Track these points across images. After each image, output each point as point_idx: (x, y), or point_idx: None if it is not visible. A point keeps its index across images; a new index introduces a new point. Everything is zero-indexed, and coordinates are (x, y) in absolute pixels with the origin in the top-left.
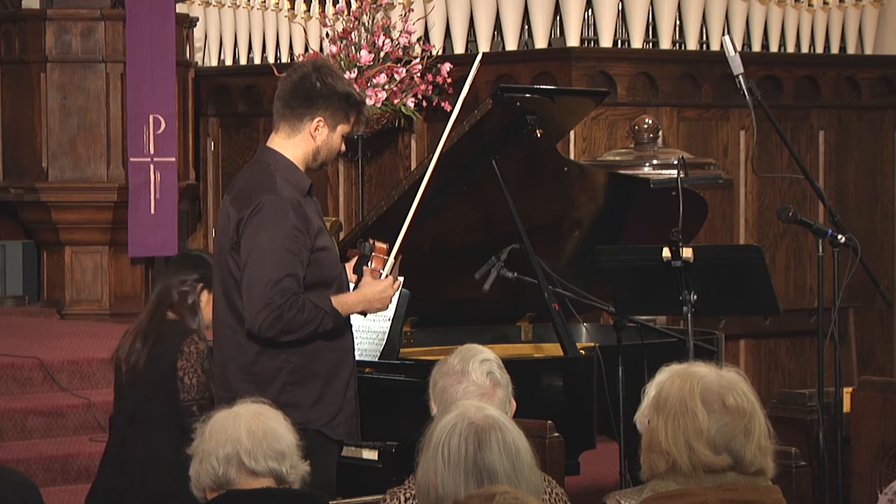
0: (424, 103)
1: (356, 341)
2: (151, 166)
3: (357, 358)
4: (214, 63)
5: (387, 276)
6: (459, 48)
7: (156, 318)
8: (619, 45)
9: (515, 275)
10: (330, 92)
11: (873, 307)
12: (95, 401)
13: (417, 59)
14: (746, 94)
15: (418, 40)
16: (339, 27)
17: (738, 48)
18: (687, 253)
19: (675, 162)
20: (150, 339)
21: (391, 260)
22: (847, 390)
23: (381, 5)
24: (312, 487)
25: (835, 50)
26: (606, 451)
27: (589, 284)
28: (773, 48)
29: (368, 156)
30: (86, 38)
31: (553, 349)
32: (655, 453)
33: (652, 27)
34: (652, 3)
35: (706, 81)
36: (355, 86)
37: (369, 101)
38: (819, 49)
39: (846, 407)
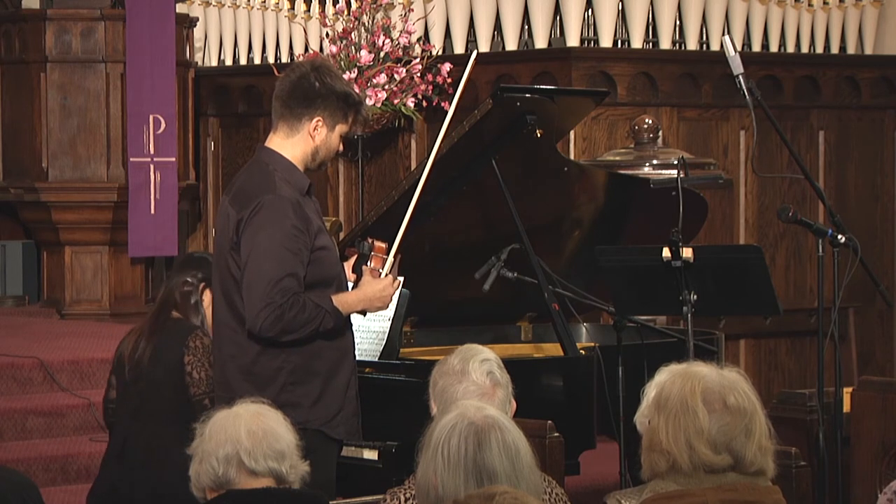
0: (424, 103)
1: (356, 341)
2: (151, 166)
3: (357, 358)
4: (214, 63)
5: (386, 275)
6: (459, 48)
7: (160, 318)
8: (619, 45)
9: (515, 275)
10: (329, 92)
11: (873, 307)
12: (95, 401)
13: (417, 59)
14: (746, 94)
15: (418, 40)
16: (339, 27)
17: (738, 48)
18: (687, 253)
19: (675, 162)
20: (154, 337)
21: (391, 259)
22: (847, 390)
23: (381, 5)
24: (312, 487)
25: (835, 50)
26: (606, 451)
27: (589, 284)
28: (773, 48)
29: (368, 156)
30: (86, 38)
31: (553, 349)
32: (656, 453)
33: (652, 27)
34: (652, 3)
35: (706, 81)
36: (355, 86)
37: (369, 101)
38: (819, 49)
39: (846, 407)
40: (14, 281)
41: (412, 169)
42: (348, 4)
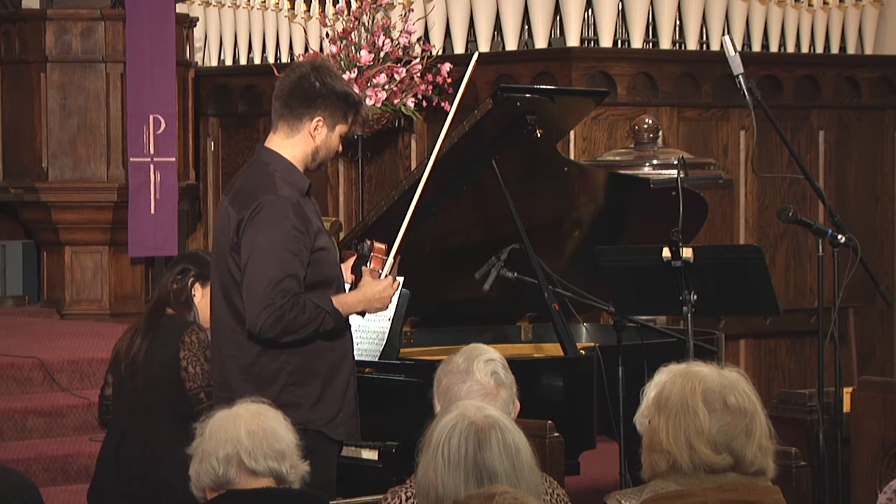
0: (424, 103)
1: (356, 341)
2: (151, 166)
3: (357, 358)
4: (214, 63)
5: (386, 276)
6: (459, 48)
7: (155, 315)
8: (619, 45)
9: (515, 275)
10: (329, 92)
11: (873, 307)
12: (95, 401)
13: (417, 59)
14: (746, 94)
15: (418, 40)
16: (339, 27)
17: (738, 48)
18: (687, 253)
19: (675, 162)
20: (150, 333)
21: (390, 260)
22: (847, 390)
23: (381, 5)
24: (313, 487)
25: (835, 50)
26: (606, 451)
27: (589, 284)
28: (773, 48)
29: (368, 156)
30: (86, 38)
31: (553, 349)
32: (656, 453)
33: (652, 27)
34: (652, 3)
35: (706, 81)
36: (355, 86)
37: (369, 101)
38: (819, 49)
39: (846, 407)
40: (14, 281)
41: (412, 169)
42: (348, 4)
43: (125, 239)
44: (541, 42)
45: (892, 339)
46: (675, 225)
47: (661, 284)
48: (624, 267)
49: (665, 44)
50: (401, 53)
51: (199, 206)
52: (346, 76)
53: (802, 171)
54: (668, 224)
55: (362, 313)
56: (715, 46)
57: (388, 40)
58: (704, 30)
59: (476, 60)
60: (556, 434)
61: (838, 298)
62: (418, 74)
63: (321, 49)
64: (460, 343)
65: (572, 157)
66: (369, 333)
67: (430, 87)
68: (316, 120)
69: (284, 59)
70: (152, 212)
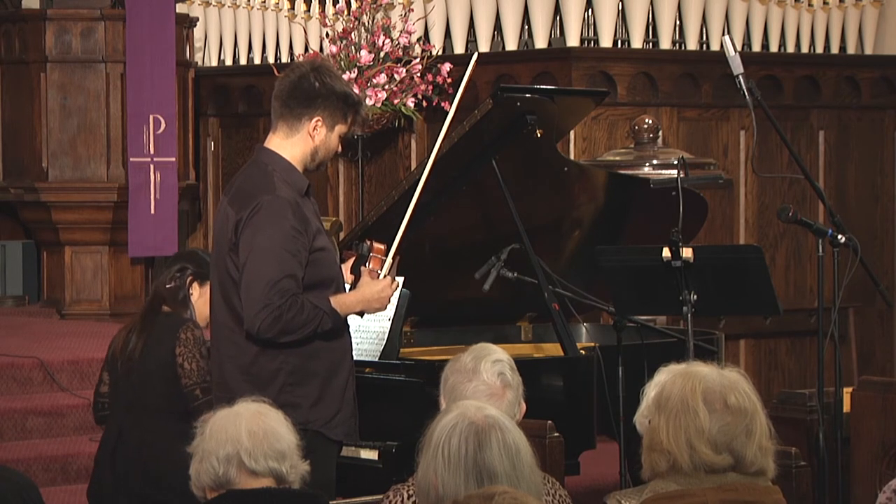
0: (424, 103)
1: (356, 341)
2: (151, 166)
3: (357, 358)
4: (214, 63)
5: (385, 277)
6: (459, 48)
7: (151, 313)
8: (619, 45)
9: (515, 275)
10: (328, 92)
11: (873, 307)
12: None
13: (417, 59)
14: (746, 94)
15: (418, 40)
16: (339, 27)
17: (738, 48)
18: (687, 253)
19: (675, 162)
20: (146, 331)
21: (389, 260)
22: (847, 390)
23: (381, 5)
24: (312, 488)
25: (835, 50)
26: (606, 451)
27: (589, 284)
28: (773, 48)
29: (368, 156)
30: (86, 38)
31: (553, 349)
32: (656, 452)
33: (652, 27)
34: (652, 3)
35: (706, 81)
36: (355, 86)
37: (369, 101)
38: (819, 49)
39: (846, 407)
40: (14, 281)
41: (412, 169)
42: (348, 4)
43: (125, 239)
44: (541, 42)
45: (892, 339)
46: (675, 225)
47: (661, 284)
48: (624, 267)
49: (665, 44)
50: (401, 53)
51: (199, 206)
52: (346, 76)
53: (802, 171)
54: (668, 224)
55: (361, 313)
56: (715, 46)
57: (388, 40)
58: (704, 30)
59: (475, 61)
60: (556, 434)
61: (838, 298)
62: (418, 74)
63: (321, 49)
64: (460, 343)
65: (572, 157)
66: (369, 333)
67: (430, 87)
68: (315, 120)
69: (284, 59)
70: (152, 212)
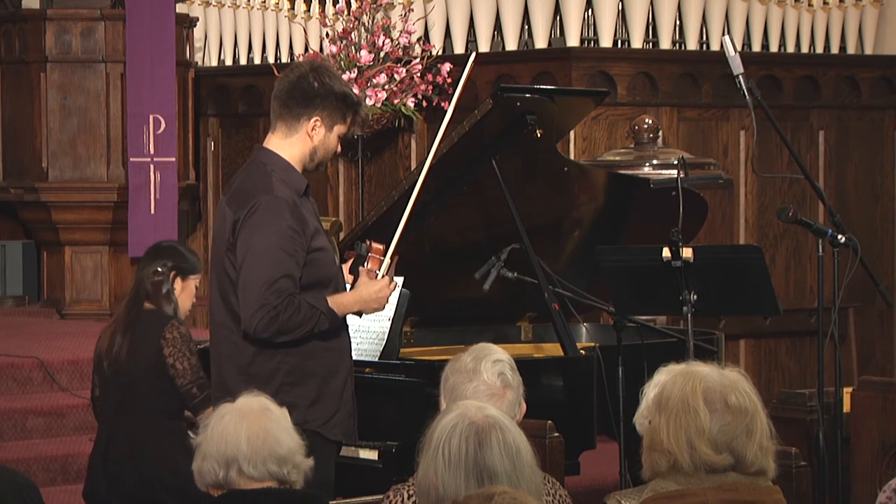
0: (424, 103)
1: (356, 341)
2: (151, 166)
3: (357, 358)
4: (214, 63)
5: (383, 277)
6: (459, 48)
7: (133, 311)
8: (619, 45)
9: (515, 275)
10: (327, 92)
11: (873, 307)
12: None
13: (417, 59)
14: (746, 94)
15: (418, 40)
16: (339, 27)
17: (738, 48)
18: (687, 253)
19: (675, 162)
20: (130, 330)
21: (387, 260)
22: (847, 390)
23: (381, 5)
24: (310, 488)
25: (835, 50)
26: (606, 451)
27: (589, 284)
28: (773, 48)
29: (368, 156)
30: (86, 38)
31: (553, 349)
32: (657, 452)
33: (652, 27)
34: (652, 3)
35: (706, 81)
36: (355, 86)
37: (369, 102)
38: (819, 49)
39: (846, 407)
40: (14, 281)
41: (412, 169)
42: (348, 4)
43: (125, 239)
44: (541, 42)
45: (892, 339)
46: (675, 225)
47: (661, 284)
48: (624, 267)
49: (665, 44)
50: (401, 53)
51: (199, 206)
52: (346, 76)
53: (802, 171)
54: (668, 224)
55: (359, 314)
56: (715, 46)
57: (388, 40)
58: (704, 30)
59: (473, 61)
60: (556, 434)
61: (838, 298)
62: (418, 74)
63: (321, 49)
64: (460, 343)
65: (572, 157)
66: (369, 333)
67: (430, 87)
68: (314, 120)
69: (284, 59)
70: (152, 212)
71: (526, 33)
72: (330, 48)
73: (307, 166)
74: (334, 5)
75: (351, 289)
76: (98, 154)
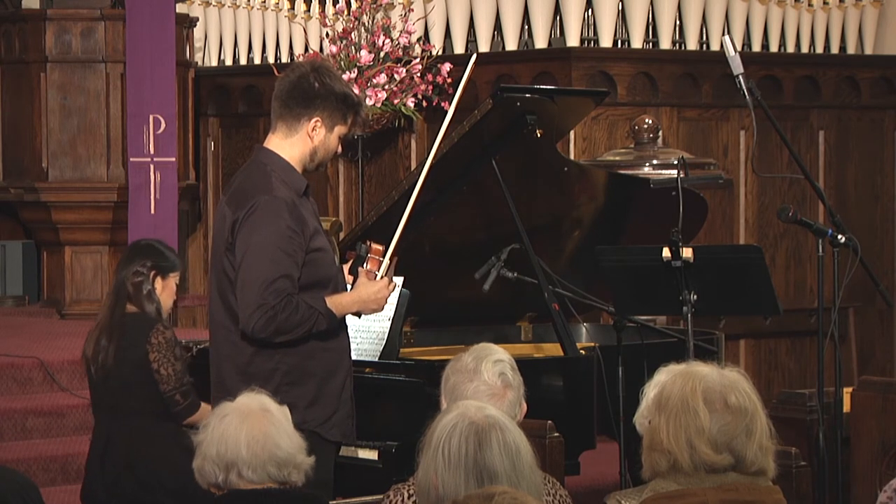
0: (424, 103)
1: (356, 342)
2: (151, 166)
3: (357, 358)
4: (214, 63)
5: (382, 277)
6: (459, 48)
7: (116, 313)
8: (619, 45)
9: (515, 275)
10: (328, 92)
11: (873, 307)
12: None
13: (417, 59)
14: (746, 94)
15: (418, 40)
16: (339, 27)
17: (738, 48)
18: (687, 253)
19: (675, 162)
20: (115, 334)
21: (386, 261)
22: (847, 390)
23: (381, 5)
24: (308, 488)
25: (835, 50)
26: (606, 451)
27: (589, 284)
28: (773, 48)
29: (368, 156)
30: (86, 38)
31: (553, 349)
32: (657, 452)
33: (652, 27)
34: (652, 3)
35: (706, 81)
36: (355, 86)
37: (369, 102)
38: (819, 49)
39: (846, 407)
40: (14, 281)
41: (412, 169)
42: (348, 4)
43: (125, 239)
44: (541, 42)
45: (892, 339)
46: (675, 225)
47: (661, 284)
48: (624, 267)
49: (665, 44)
50: (401, 53)
51: (199, 206)
52: (346, 76)
53: (802, 171)
54: (668, 224)
55: (358, 314)
56: (715, 46)
57: (388, 40)
58: (704, 30)
59: (474, 61)
60: (556, 434)
61: (838, 298)
62: (418, 74)
63: (321, 49)
64: (460, 343)
65: (572, 157)
66: (369, 333)
67: (430, 87)
68: (314, 120)
69: (284, 59)
70: (152, 212)
71: (526, 33)
72: (330, 48)
73: (307, 166)
74: (334, 5)
75: (350, 289)
76: (98, 154)
